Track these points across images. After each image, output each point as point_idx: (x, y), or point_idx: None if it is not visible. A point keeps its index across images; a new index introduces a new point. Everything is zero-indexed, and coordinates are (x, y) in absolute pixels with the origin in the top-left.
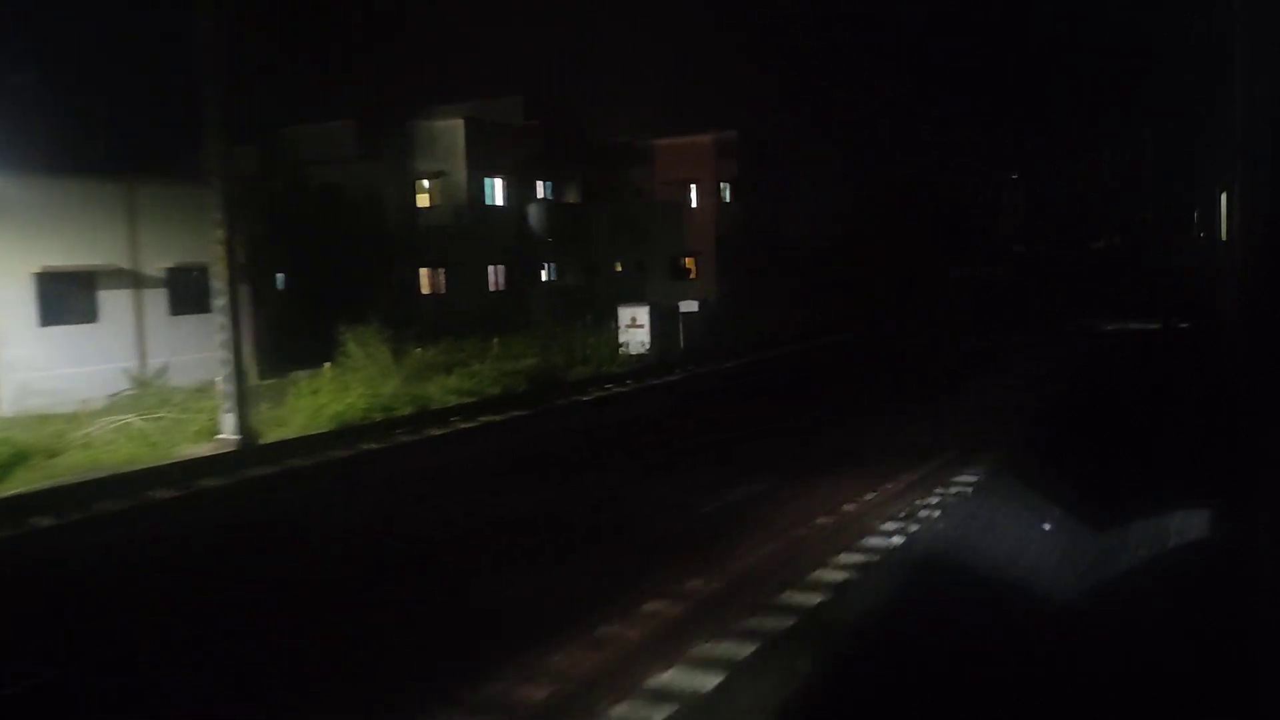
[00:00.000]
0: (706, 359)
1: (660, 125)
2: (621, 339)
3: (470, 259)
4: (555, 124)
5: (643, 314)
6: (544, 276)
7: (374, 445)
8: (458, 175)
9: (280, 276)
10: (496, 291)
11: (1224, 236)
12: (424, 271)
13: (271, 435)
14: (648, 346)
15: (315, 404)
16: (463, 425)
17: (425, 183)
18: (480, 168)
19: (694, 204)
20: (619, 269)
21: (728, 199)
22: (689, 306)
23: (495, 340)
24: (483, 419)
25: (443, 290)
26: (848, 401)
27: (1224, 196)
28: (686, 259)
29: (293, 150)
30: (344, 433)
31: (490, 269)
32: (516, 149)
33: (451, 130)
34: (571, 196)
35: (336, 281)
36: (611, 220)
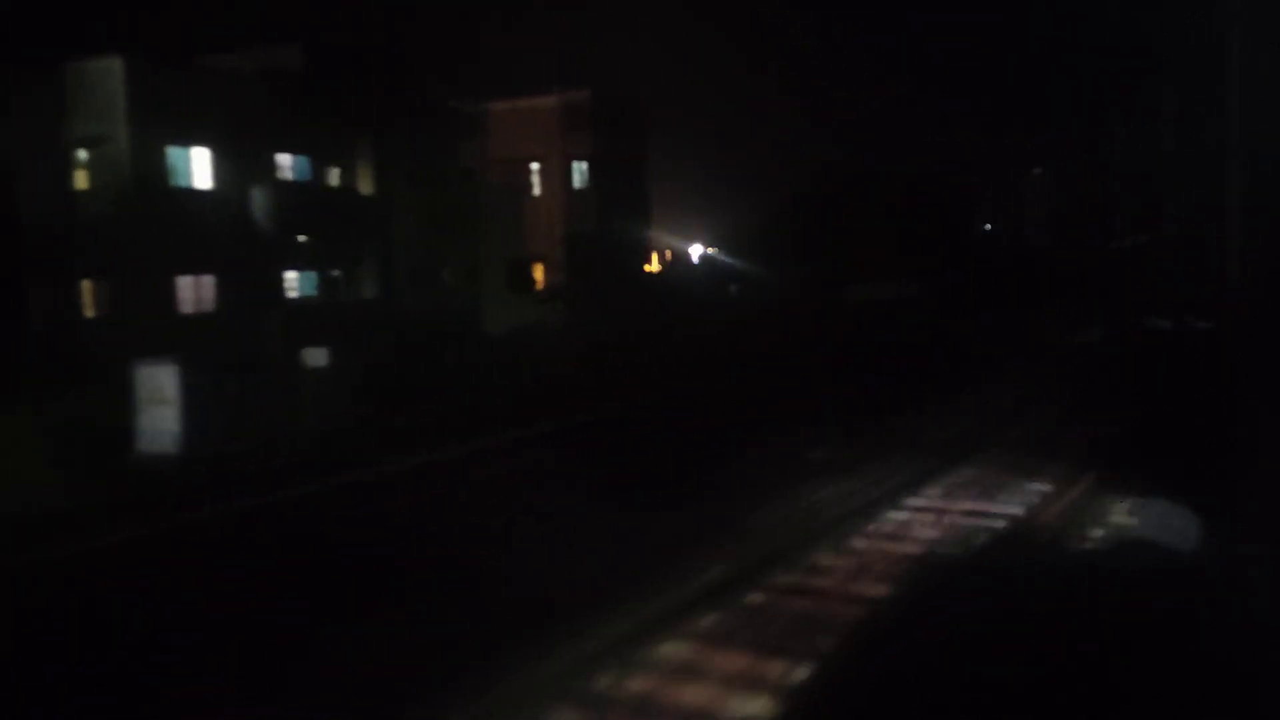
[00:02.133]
0: (290, 472)
1: (522, 86)
2: (141, 424)
3: (147, 265)
4: (343, 77)
5: (168, 382)
6: (304, 288)
7: None
8: (122, 142)
9: None
10: (199, 315)
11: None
12: (88, 285)
13: None
14: (178, 439)
15: None
16: None
17: (83, 154)
18: (162, 131)
19: (537, 190)
20: (447, 279)
21: (585, 183)
22: (317, 358)
23: None
24: None
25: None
26: None
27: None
28: (534, 264)
29: None
30: None
31: (190, 280)
32: (240, 107)
33: (106, 74)
34: (364, 179)
35: None
36: (427, 211)
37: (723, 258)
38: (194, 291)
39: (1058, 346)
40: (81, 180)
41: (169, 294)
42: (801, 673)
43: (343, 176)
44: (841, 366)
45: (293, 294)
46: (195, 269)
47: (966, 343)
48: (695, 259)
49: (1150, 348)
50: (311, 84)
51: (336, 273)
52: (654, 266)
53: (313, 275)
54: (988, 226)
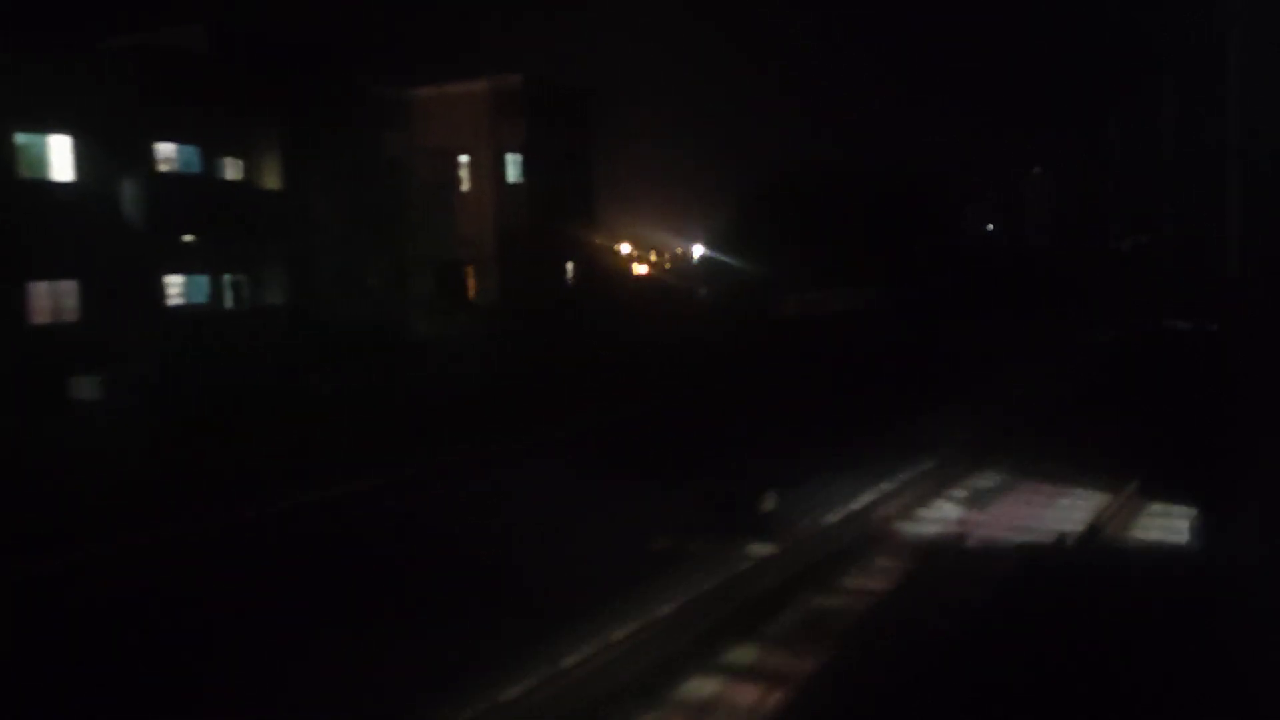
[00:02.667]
0: None
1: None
2: None
3: None
4: (247, 58)
5: None
6: (193, 295)
7: None
8: None
9: None
10: (56, 325)
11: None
12: None
13: None
14: None
15: None
16: None
17: None
18: (8, 115)
19: (466, 185)
20: (371, 282)
21: (520, 178)
22: (85, 388)
23: None
24: None
25: None
26: None
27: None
28: (465, 266)
29: None
30: None
31: (45, 286)
32: (109, 90)
33: None
34: (270, 172)
35: None
36: (348, 208)
37: (717, 258)
38: (50, 299)
39: (1064, 351)
40: None
41: (19, 303)
42: None
43: (247, 169)
44: (803, 381)
45: (180, 301)
46: (52, 273)
47: (960, 353)
48: (695, 260)
49: (1164, 349)
50: (204, 66)
51: (238, 277)
52: (651, 268)
53: (203, 280)
54: (990, 227)
